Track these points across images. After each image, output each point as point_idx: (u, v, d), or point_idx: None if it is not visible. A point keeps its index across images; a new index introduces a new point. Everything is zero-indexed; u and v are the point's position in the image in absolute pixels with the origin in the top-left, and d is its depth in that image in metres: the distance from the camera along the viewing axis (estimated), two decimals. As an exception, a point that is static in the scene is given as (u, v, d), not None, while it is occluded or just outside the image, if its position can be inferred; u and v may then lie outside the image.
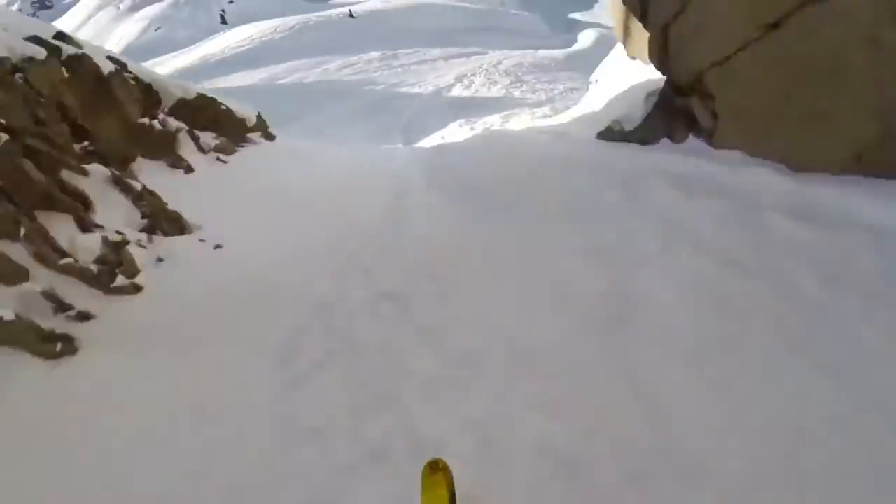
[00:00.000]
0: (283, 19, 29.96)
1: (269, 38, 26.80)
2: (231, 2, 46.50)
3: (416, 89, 15.96)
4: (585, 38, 33.71)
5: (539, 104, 13.83)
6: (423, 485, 2.01)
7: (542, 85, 18.09)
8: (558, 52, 29.04)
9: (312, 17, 29.30)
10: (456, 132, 10.47)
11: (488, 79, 18.15)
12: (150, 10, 48.41)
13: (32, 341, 3.03)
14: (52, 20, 55.94)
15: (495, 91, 15.83)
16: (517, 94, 15.84)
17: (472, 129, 10.29)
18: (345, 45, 24.88)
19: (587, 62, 27.89)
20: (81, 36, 34.12)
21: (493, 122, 10.63)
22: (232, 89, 19.37)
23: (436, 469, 2.04)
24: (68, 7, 66.96)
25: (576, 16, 46.57)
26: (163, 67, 27.91)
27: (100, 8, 58.90)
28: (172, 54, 30.45)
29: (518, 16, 38.18)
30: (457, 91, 15.84)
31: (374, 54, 22.55)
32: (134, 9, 53.81)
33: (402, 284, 3.81)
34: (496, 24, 33.84)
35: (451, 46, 25.46)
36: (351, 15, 29.08)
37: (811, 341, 2.77)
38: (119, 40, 44.10)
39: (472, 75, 18.49)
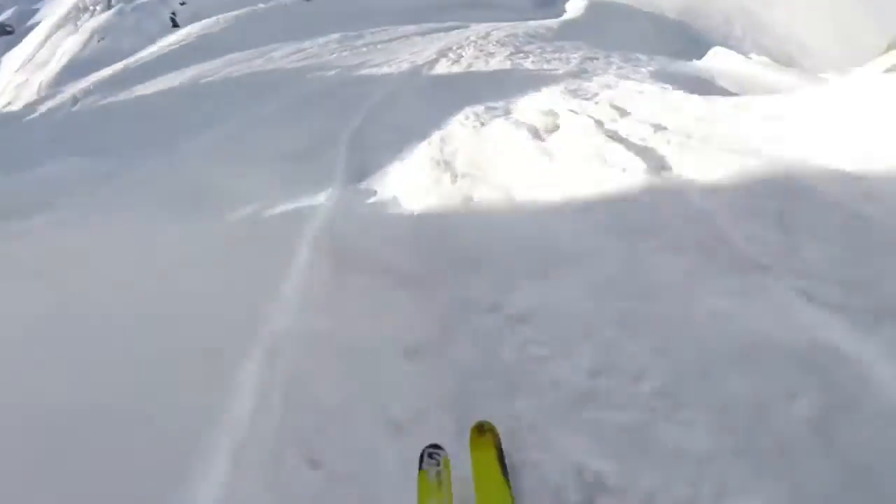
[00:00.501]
0: (230, 13, 24.40)
1: (206, 33, 21.26)
2: (183, 3, 40.43)
3: (385, 69, 10.63)
4: (575, 6, 28.36)
5: (576, 75, 8.70)
6: (472, 446, 1.78)
7: (552, 55, 12.82)
8: (551, 22, 23.72)
9: (260, 5, 23.72)
10: (473, 139, 5.06)
11: (481, 50, 12.86)
12: (94, 21, 42.37)
13: None
14: (13, 46, 50.04)
15: (497, 63, 10.60)
16: (528, 65, 10.62)
17: (520, 125, 4.93)
18: (298, 30, 19.39)
19: (586, 31, 22.74)
20: (39, 57, 28.20)
21: (552, 107, 5.32)
22: (143, 98, 13.99)
23: (482, 431, 1.79)
24: (30, 30, 60.65)
25: (553, -9, 41.15)
26: (87, 81, 22.46)
27: (59, 27, 52.67)
28: (113, 66, 24.87)
29: (497, -11, 32.71)
30: (443, 67, 10.52)
31: (334, 36, 17.13)
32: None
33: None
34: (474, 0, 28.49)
35: (425, 23, 20.14)
36: (306, -3, 23.55)
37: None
38: (61, 56, 38.28)
39: (458, 48, 13.18)
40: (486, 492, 1.63)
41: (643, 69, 11.89)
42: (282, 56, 15.14)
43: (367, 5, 22.73)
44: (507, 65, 10.35)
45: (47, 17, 54.54)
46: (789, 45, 33.65)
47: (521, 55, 12.28)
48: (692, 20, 37.41)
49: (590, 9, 27.60)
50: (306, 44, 16.52)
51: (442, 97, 7.28)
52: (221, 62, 16.20)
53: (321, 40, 16.71)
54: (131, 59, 21.47)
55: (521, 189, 3.46)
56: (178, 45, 20.49)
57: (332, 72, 11.20)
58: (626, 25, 29.17)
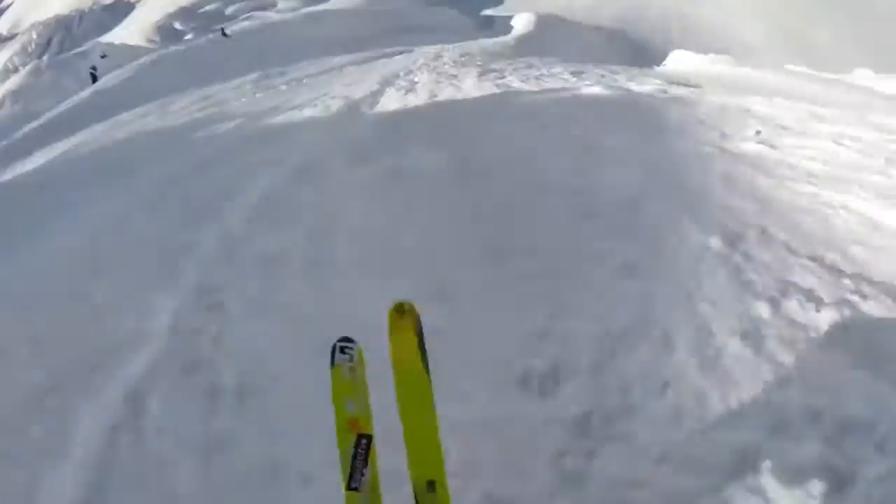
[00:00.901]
0: (137, 62, 20.02)
1: (103, 89, 16.92)
2: (104, 56, 35.51)
3: (308, 112, 6.66)
4: (523, 22, 25.16)
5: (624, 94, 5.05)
6: (391, 329, 1.57)
7: (531, 71, 9.16)
8: (504, 38, 20.33)
9: (172, 48, 19.50)
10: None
11: (439, 73, 9.12)
12: (9, 84, 37.16)
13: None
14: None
15: (472, 87, 6.82)
16: (518, 84, 6.94)
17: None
18: (212, 72, 15.35)
19: (542, 46, 19.47)
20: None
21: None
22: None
23: (402, 312, 1.57)
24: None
25: (489, 12, 38.14)
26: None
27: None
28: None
29: (436, 11, 29.25)
30: (393, 99, 6.62)
31: (251, 77, 13.15)
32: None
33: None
34: (415, 23, 24.89)
35: (363, 52, 16.37)
36: (224, 34, 19.43)
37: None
38: (-30, 127, 33.03)
39: (407, 74, 9.37)
40: (404, 376, 1.50)
41: (646, 79, 8.47)
42: (180, 108, 11.03)
43: (291, 37, 18.79)
44: (489, 87, 6.58)
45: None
46: (727, 41, 31.32)
47: (496, 74, 8.55)
48: (629, 28, 34.90)
49: (538, 25, 24.50)
50: (215, 88, 12.48)
51: (422, 184, 3.25)
52: (107, 125, 11.98)
53: (236, 82, 12.69)
54: (20, 132, 16.90)
55: None
56: (68, 108, 16.07)
57: (232, 123, 7.20)
58: (575, 39, 26.27)
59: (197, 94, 12.02)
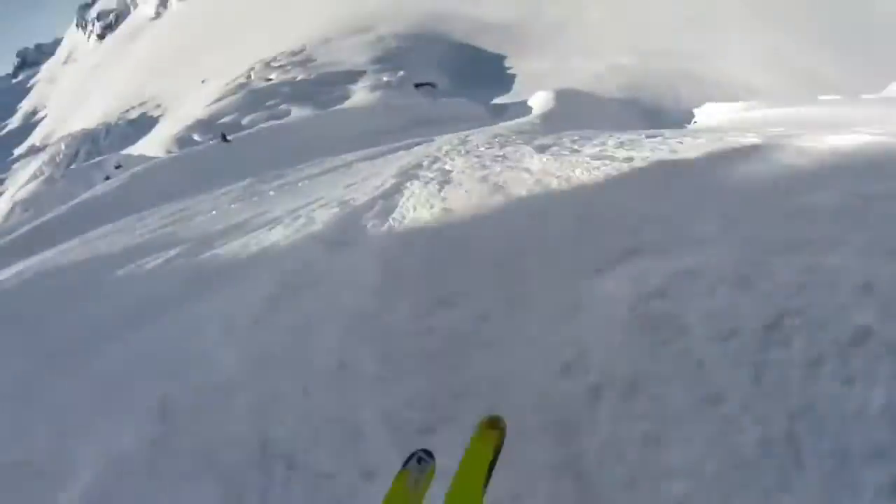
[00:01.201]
0: (128, 172, 18.10)
1: (92, 197, 14.79)
2: (118, 166, 34.52)
3: (275, 234, 3.91)
4: (542, 101, 23.28)
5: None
6: (476, 435, 1.56)
7: (591, 141, 6.47)
8: (529, 118, 18.21)
9: (171, 153, 17.59)
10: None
11: (479, 157, 6.47)
12: (21, 193, 36.36)
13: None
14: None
15: (523, 170, 4.17)
16: (616, 153, 4.22)
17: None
18: (204, 180, 13.11)
19: (569, 120, 17.37)
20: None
21: None
22: None
23: (493, 426, 1.59)
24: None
25: (499, 101, 36.94)
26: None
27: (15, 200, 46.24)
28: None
29: (448, 103, 27.66)
30: (419, 199, 3.92)
31: (244, 182, 10.75)
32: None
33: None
34: (428, 115, 23.10)
35: (375, 147, 14.10)
36: (225, 139, 17.53)
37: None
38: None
39: (434, 162, 6.75)
40: (463, 482, 1.45)
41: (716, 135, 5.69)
42: (152, 223, 8.50)
43: (297, 138, 16.77)
44: (580, 171, 3.79)
45: (10, 188, 48.27)
46: (737, 89, 29.31)
47: (557, 150, 5.89)
48: (639, 94, 33.17)
49: (559, 100, 22.56)
50: (199, 198, 10.02)
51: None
52: (74, 243, 9.47)
53: (221, 191, 10.24)
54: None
55: None
56: (46, 221, 13.86)
57: (172, 252, 4.49)
58: (596, 110, 24.33)
59: (172, 208, 9.55)
